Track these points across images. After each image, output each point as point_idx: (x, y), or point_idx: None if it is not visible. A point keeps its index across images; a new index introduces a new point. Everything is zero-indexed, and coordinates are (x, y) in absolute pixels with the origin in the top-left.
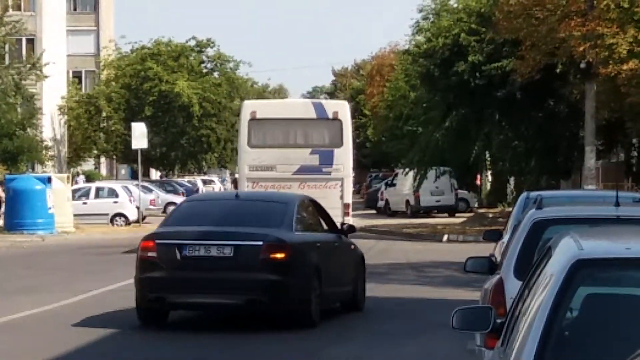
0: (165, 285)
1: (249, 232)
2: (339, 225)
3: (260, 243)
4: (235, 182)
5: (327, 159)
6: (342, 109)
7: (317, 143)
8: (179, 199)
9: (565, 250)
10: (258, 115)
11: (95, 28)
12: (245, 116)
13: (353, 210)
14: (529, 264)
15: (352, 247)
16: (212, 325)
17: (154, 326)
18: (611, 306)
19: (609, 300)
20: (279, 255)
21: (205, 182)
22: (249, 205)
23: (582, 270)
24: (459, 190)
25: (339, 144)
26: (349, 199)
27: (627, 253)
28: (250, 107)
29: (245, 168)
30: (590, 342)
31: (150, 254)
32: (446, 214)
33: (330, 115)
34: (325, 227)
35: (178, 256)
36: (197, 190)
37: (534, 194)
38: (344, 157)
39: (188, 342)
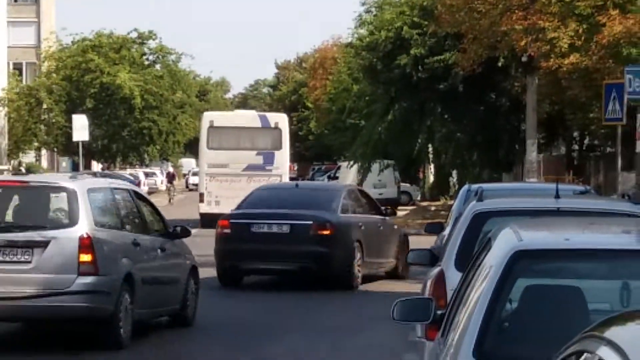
0: (238, 255)
1: (302, 213)
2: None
3: (311, 222)
4: (168, 176)
5: (269, 159)
6: (281, 120)
7: (261, 146)
8: None
9: (505, 241)
10: (215, 124)
11: (36, 19)
12: (205, 124)
13: None
14: (469, 255)
15: (395, 227)
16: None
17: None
18: (550, 297)
19: (548, 292)
20: (325, 232)
21: (147, 175)
22: (305, 193)
23: (521, 261)
24: (402, 183)
25: (279, 147)
26: None
27: (565, 244)
28: (209, 117)
29: (205, 165)
30: (529, 333)
31: (225, 230)
32: (389, 207)
33: (272, 125)
34: (371, 210)
35: (247, 232)
36: (138, 183)
37: (475, 186)
38: (282, 158)
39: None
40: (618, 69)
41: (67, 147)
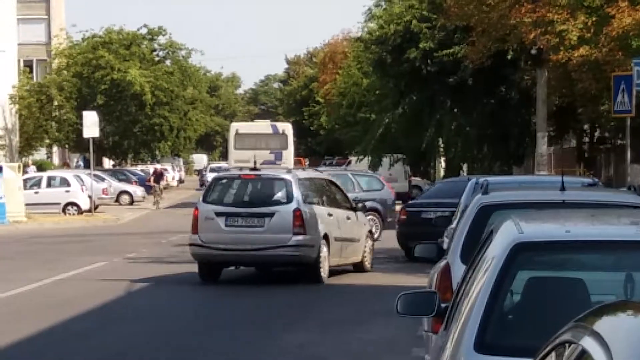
0: (410, 236)
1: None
2: None
3: None
4: (155, 174)
5: (278, 157)
6: (287, 128)
7: (273, 147)
8: (131, 188)
9: (506, 233)
10: (240, 132)
11: (46, 16)
12: (232, 132)
13: None
14: (475, 249)
15: None
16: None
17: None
18: (553, 289)
19: (550, 284)
20: None
21: None
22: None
23: (521, 253)
24: (413, 177)
25: (285, 148)
26: None
27: (566, 236)
28: (235, 126)
29: (232, 161)
30: (531, 325)
31: (403, 217)
32: (400, 201)
33: (280, 132)
34: None
35: (418, 218)
36: (149, 180)
37: (481, 179)
38: (288, 155)
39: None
40: (628, 61)
41: (78, 143)
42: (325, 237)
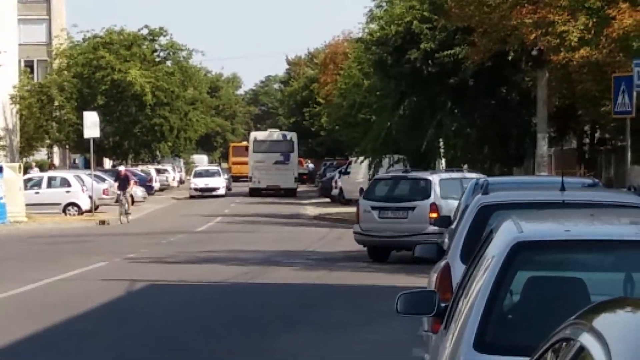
0: None
1: None
2: None
3: None
4: (119, 180)
5: (286, 158)
6: (293, 136)
7: (282, 150)
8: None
9: (506, 233)
10: (257, 139)
11: (47, 17)
12: (252, 138)
13: (307, 198)
14: (475, 249)
15: None
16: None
17: None
18: (552, 289)
19: (549, 283)
20: None
21: (159, 172)
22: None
23: (521, 252)
24: None
25: (292, 151)
26: (296, 174)
27: (566, 235)
28: (254, 135)
29: (252, 162)
30: (531, 325)
31: None
32: None
33: (288, 139)
34: None
35: None
36: (150, 180)
37: (482, 179)
38: (294, 156)
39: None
40: (628, 63)
41: (78, 144)
42: None
